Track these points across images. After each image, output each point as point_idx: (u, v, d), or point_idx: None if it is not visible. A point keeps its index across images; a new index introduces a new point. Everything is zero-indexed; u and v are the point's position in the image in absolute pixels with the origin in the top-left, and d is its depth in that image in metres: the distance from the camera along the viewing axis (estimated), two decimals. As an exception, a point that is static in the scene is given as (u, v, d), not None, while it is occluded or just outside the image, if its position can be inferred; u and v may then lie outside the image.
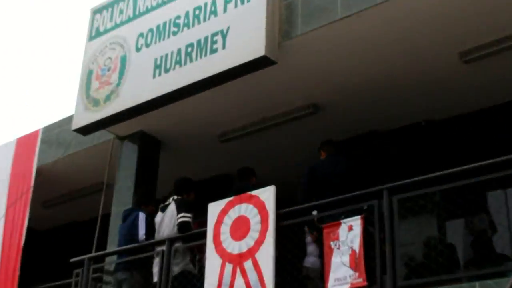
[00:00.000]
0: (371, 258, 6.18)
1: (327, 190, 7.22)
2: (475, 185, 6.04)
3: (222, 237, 7.10)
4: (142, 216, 8.24)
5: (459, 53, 8.16)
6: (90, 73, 10.28)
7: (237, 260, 6.84)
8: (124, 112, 9.59)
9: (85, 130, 10.15)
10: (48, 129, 11.45)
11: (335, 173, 7.43)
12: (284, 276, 6.83)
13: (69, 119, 10.72)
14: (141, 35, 9.65)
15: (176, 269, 7.62)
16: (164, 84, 9.10)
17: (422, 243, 8.09)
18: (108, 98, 9.79)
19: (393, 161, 9.55)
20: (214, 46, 8.60)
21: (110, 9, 10.31)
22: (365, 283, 6.04)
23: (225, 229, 7.12)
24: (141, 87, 9.39)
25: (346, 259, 6.26)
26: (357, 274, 6.13)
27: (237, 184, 8.08)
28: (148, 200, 8.70)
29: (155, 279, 7.72)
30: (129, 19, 9.95)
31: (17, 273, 10.54)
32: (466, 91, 8.87)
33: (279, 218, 6.88)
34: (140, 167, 9.97)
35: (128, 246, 8.15)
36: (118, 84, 9.75)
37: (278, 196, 6.97)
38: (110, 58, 10.07)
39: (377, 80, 8.72)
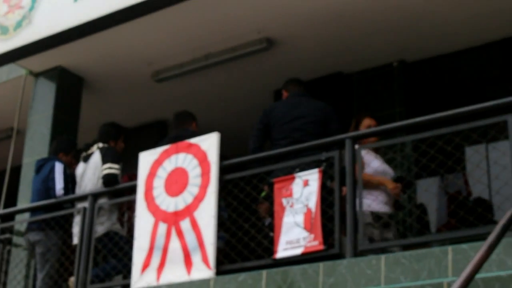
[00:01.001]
0: (329, 219, 6.31)
1: (283, 138, 7.28)
2: (452, 135, 6.21)
3: (155, 192, 7.17)
4: (59, 167, 8.26)
5: (440, -20, 8.30)
6: (-4, -6, 10.17)
7: (173, 219, 6.93)
8: (39, 43, 9.50)
9: (-9, 63, 10.07)
10: None
11: (294, 115, 7.35)
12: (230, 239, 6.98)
13: (-29, 50, 10.61)
14: None
15: (100, 230, 7.70)
16: (88, 10, 9.03)
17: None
18: (19, 25, 9.68)
19: (359, 108, 9.73)
20: (150, -37, 8.56)
21: None
22: (322, 247, 6.16)
23: (159, 182, 7.19)
24: (60, 12, 9.31)
25: (300, 219, 6.38)
26: (312, 236, 6.25)
27: (174, 131, 8.11)
28: (68, 148, 8.71)
29: (75, 241, 7.80)
30: None
31: None
32: (449, 27, 9.03)
33: (222, 171, 6.97)
34: (58, 110, 9.91)
35: (43, 202, 8.18)
36: (31, 8, 9.64)
37: (223, 146, 7.03)
38: (21, -24, 9.96)
39: (343, 11, 8.79)
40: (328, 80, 10.10)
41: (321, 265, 5.93)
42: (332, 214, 6.29)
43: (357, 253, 6.01)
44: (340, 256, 6.10)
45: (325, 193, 6.43)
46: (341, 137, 6.58)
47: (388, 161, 6.90)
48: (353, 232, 6.11)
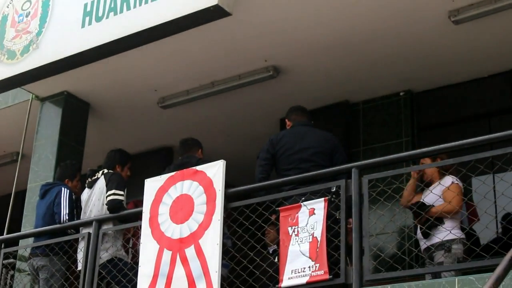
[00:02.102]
0: (334, 248, 6.30)
1: (290, 169, 7.29)
2: (459, 166, 6.22)
3: (160, 219, 7.17)
4: (65, 192, 8.28)
5: (448, 12, 8.32)
6: (4, 18, 10.21)
7: (178, 246, 6.93)
8: (46, 68, 9.54)
9: (-3, 87, 10.12)
10: (-50, 86, 11.34)
11: (301, 146, 7.40)
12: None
13: (-22, 74, 10.66)
14: (68, -27, 9.61)
15: (104, 256, 7.70)
16: (95, 36, 9.06)
17: (395, 233, 8.32)
18: (26, 50, 9.73)
19: (366, 137, 9.76)
20: (157, -9, 8.61)
21: None
22: (327, 276, 6.14)
23: (164, 209, 7.19)
24: (67, 38, 9.35)
25: (306, 247, 6.37)
26: (317, 265, 6.24)
27: (180, 158, 8.13)
28: (73, 174, 8.74)
29: (80, 266, 7.79)
30: (54, -47, 9.84)
31: None
32: (455, 58, 9.08)
33: (228, 198, 6.97)
34: (64, 135, 9.97)
35: (48, 228, 8.19)
36: (38, 34, 9.70)
37: (228, 174, 7.02)
38: (29, 1, 10.02)
39: (350, 41, 8.85)
40: (335, 108, 10.14)
41: (327, 294, 5.93)
42: (338, 243, 6.29)
43: (363, 283, 6.00)
44: (346, 286, 6.08)
45: (331, 222, 6.43)
46: (348, 166, 6.58)
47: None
48: (359, 262, 6.08)
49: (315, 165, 7.20)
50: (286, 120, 7.89)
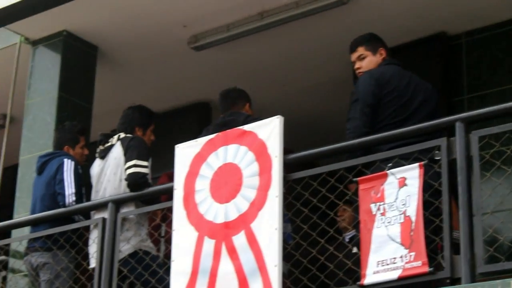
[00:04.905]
0: (435, 230, 6.27)
1: (405, 120, 7.13)
2: None
3: (197, 198, 7.19)
4: (69, 165, 8.33)
5: None
6: None
7: (223, 234, 6.95)
8: (36, -1, 9.64)
9: (-27, 28, 10.22)
10: None
11: (414, 91, 7.25)
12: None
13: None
14: None
15: (125, 248, 7.76)
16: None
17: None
18: (5, -29, 9.82)
19: (470, 81, 9.66)
20: None
21: None
22: (426, 269, 6.11)
23: (202, 184, 7.21)
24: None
25: (396, 231, 6.34)
26: (412, 254, 6.21)
27: (221, 116, 8.13)
28: (74, 137, 8.74)
29: (92, 263, 7.87)
30: None
31: None
32: None
33: (288, 167, 6.95)
34: (65, 89, 10.04)
35: (49, 213, 8.24)
36: None
37: (286, 135, 6.99)
38: None
39: None
40: (427, 44, 10.09)
41: (427, 293, 5.91)
42: (439, 224, 6.24)
43: (475, 277, 5.96)
44: (452, 281, 6.05)
45: (429, 195, 6.38)
46: (450, 119, 6.51)
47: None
48: (469, 249, 6.05)
49: (424, 118, 7.06)
50: (381, 50, 7.65)
